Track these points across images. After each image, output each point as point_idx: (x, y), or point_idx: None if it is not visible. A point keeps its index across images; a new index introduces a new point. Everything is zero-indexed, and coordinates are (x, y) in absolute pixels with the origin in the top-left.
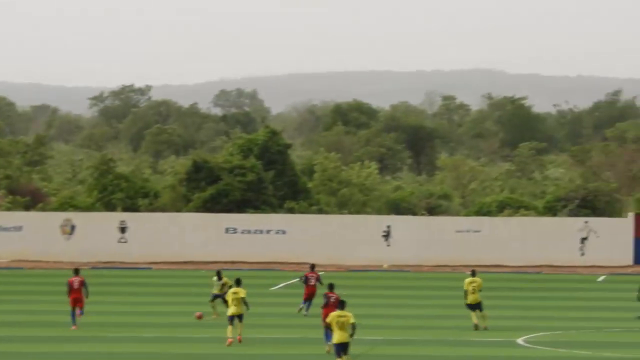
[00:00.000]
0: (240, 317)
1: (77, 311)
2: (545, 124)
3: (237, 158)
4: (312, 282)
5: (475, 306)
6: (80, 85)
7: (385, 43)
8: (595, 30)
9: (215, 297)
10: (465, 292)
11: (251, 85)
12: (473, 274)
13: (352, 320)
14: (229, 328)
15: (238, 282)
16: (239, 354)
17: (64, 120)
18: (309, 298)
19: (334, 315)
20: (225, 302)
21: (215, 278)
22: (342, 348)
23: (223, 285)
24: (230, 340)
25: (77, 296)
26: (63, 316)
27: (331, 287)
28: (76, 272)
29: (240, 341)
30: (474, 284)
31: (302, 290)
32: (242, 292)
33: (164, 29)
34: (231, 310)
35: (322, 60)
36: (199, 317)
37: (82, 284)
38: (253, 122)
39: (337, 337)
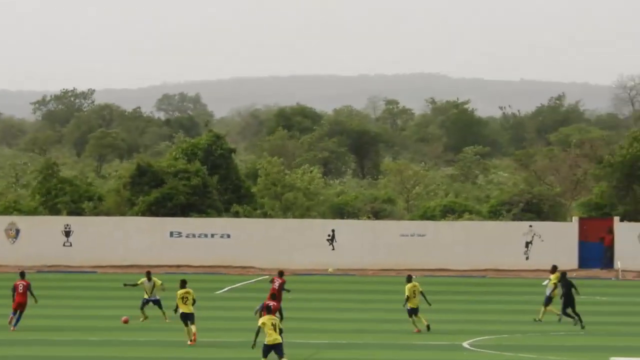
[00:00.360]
0: (191, 316)
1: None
2: (489, 128)
3: (181, 162)
4: (276, 285)
5: (416, 310)
6: (24, 89)
7: (329, 47)
8: (537, 35)
9: (146, 302)
10: (407, 298)
11: (194, 89)
12: (409, 279)
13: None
14: (186, 329)
15: (184, 283)
16: (187, 358)
17: (7, 124)
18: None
19: (266, 318)
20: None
21: (144, 279)
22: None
23: (153, 286)
24: (195, 335)
25: (21, 300)
26: (5, 319)
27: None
28: (22, 275)
29: (195, 341)
30: (414, 289)
31: (248, 294)
32: (191, 293)
33: (106, 33)
34: (182, 309)
35: (265, 65)
36: (125, 322)
37: (27, 287)
38: (196, 126)
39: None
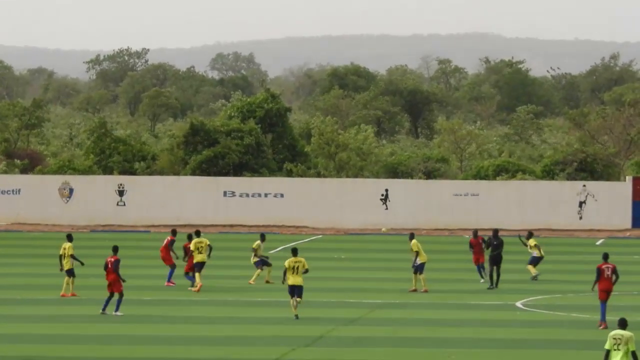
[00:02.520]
0: (202, 265)
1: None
2: (542, 87)
3: (234, 121)
4: None
5: (423, 267)
6: (77, 48)
7: (382, 7)
8: None
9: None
10: (417, 253)
11: (248, 49)
12: (412, 236)
13: (306, 266)
14: (197, 275)
15: (198, 234)
16: (249, 317)
17: (61, 84)
18: None
19: (289, 260)
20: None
21: (258, 242)
22: (295, 290)
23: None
24: (200, 284)
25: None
26: (60, 279)
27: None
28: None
29: (196, 290)
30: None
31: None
32: (206, 240)
33: None
34: (198, 258)
35: (319, 24)
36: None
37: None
38: (250, 86)
39: (292, 280)
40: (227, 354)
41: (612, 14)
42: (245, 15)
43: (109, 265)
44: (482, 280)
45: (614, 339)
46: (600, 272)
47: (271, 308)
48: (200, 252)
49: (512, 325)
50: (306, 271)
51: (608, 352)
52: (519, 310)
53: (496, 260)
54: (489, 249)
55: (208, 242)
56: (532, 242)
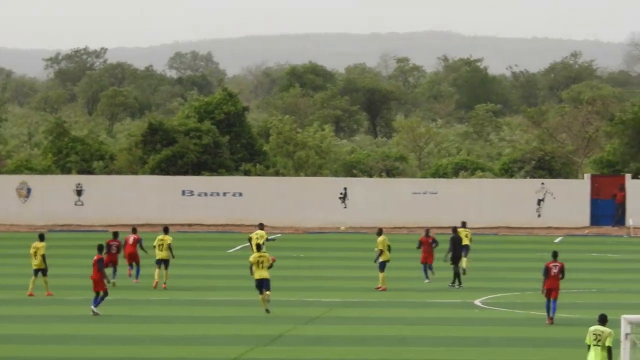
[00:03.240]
0: (166, 262)
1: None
2: (501, 85)
3: (192, 121)
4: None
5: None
6: (35, 48)
7: (340, 6)
8: None
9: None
10: (381, 252)
11: (206, 48)
12: (380, 232)
13: (169, 241)
14: (157, 271)
15: (166, 231)
16: (209, 317)
17: (18, 83)
18: None
19: (254, 255)
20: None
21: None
22: (263, 284)
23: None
24: (156, 281)
25: (131, 251)
26: (20, 279)
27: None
28: (134, 231)
29: (165, 287)
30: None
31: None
32: (168, 239)
33: None
34: (159, 255)
35: (277, 23)
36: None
37: (138, 242)
38: (209, 84)
39: (258, 274)
40: (187, 353)
41: (570, 12)
42: (203, 14)
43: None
44: (426, 281)
45: (594, 334)
46: (547, 270)
47: (230, 307)
48: (160, 250)
49: (471, 324)
50: (271, 265)
51: (590, 347)
52: (478, 308)
53: (458, 258)
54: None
55: (169, 242)
56: (463, 232)
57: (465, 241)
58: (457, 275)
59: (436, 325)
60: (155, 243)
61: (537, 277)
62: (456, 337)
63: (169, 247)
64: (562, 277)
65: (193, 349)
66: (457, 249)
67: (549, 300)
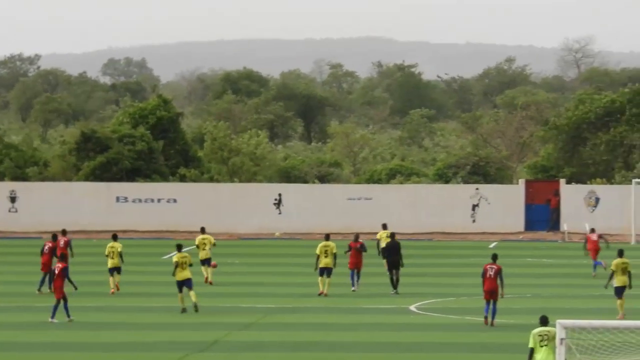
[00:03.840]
0: (118, 269)
1: None
2: (435, 91)
3: (126, 127)
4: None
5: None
6: None
7: (274, 11)
8: None
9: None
10: (319, 257)
11: (140, 54)
12: (327, 237)
13: (119, 249)
14: (111, 279)
15: (115, 238)
16: (144, 323)
17: None
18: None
19: (177, 256)
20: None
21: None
22: (185, 283)
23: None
24: (113, 290)
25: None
26: None
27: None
28: (63, 233)
29: (118, 289)
30: (327, 248)
31: (195, 259)
32: (119, 246)
33: None
34: (110, 262)
35: (211, 29)
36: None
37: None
38: (143, 90)
39: (181, 275)
40: (122, 359)
41: (504, 18)
42: (137, 20)
43: (56, 272)
44: (353, 288)
45: (540, 335)
46: (484, 271)
47: (166, 314)
48: (112, 258)
49: (406, 329)
50: (191, 264)
51: (532, 350)
52: (413, 313)
53: (394, 265)
54: (384, 255)
55: (120, 249)
56: (384, 234)
57: (383, 243)
58: (392, 281)
59: (371, 331)
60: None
61: (472, 282)
62: (391, 342)
63: (120, 255)
64: (502, 281)
65: (128, 355)
66: (394, 255)
67: (488, 302)
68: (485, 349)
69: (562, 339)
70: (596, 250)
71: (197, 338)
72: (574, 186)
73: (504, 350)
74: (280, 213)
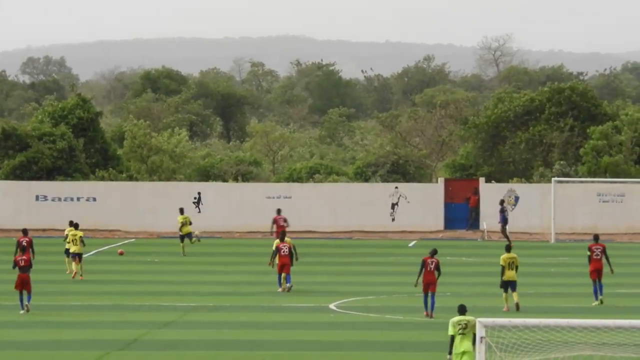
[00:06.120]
0: (80, 255)
1: None
2: (354, 90)
3: (46, 126)
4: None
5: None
6: None
7: (192, 8)
8: None
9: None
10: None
11: (59, 52)
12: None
13: (81, 235)
14: (73, 264)
15: (76, 226)
16: (62, 321)
17: None
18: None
19: (69, 232)
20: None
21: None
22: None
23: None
24: (74, 273)
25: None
26: None
27: None
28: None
29: (81, 279)
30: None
31: (115, 258)
32: (80, 233)
33: None
34: (72, 248)
35: (130, 28)
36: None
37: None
38: (61, 89)
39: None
40: (40, 358)
41: (422, 16)
42: (56, 19)
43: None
44: (279, 289)
45: (459, 324)
46: (424, 264)
47: (84, 312)
48: (75, 244)
49: (326, 328)
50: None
51: (453, 338)
52: (333, 312)
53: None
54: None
55: (82, 235)
56: (180, 218)
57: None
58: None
59: (291, 330)
60: (69, 238)
61: (392, 280)
62: (311, 340)
63: (81, 240)
64: (439, 274)
65: (47, 353)
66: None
67: (426, 295)
68: (404, 348)
69: (482, 337)
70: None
71: (116, 336)
72: (493, 185)
73: (423, 349)
74: (199, 212)
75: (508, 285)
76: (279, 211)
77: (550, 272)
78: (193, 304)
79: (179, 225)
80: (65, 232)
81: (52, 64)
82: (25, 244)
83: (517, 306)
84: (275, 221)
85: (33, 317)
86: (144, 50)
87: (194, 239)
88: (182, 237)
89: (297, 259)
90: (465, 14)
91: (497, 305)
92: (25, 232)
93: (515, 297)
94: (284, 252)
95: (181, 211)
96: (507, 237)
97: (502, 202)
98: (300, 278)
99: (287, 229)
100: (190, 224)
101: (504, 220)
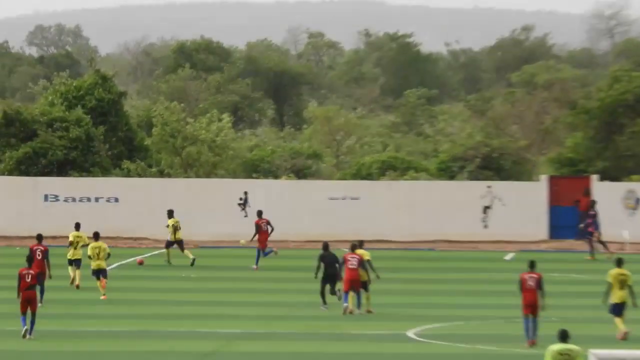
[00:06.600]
0: (104, 272)
1: None
2: (437, 66)
3: (58, 109)
4: None
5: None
6: None
7: None
8: None
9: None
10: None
11: (73, 19)
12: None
13: (105, 249)
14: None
15: (97, 236)
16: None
17: None
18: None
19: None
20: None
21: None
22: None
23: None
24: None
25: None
26: None
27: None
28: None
29: (104, 298)
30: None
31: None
32: (104, 245)
33: None
34: (95, 264)
35: None
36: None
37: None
38: (77, 64)
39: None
40: None
41: None
42: None
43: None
44: (323, 308)
45: (561, 355)
46: (522, 282)
47: (104, 340)
48: (97, 258)
49: None
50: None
51: None
52: (412, 341)
53: (332, 278)
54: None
55: (106, 249)
56: (171, 221)
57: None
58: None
59: None
60: (91, 251)
61: (484, 302)
62: None
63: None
64: (543, 294)
65: None
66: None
67: (527, 319)
68: None
69: None
70: None
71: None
72: (608, 184)
73: None
74: (246, 216)
75: (619, 309)
76: (259, 213)
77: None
78: (238, 330)
79: (171, 230)
80: (71, 239)
81: (65, 34)
82: (40, 253)
83: (625, 335)
84: (257, 226)
85: (38, 344)
86: (178, 16)
87: (273, 252)
88: (170, 244)
89: (378, 277)
90: None
91: (610, 333)
92: (39, 238)
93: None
94: (351, 264)
95: (170, 214)
96: (604, 245)
97: (593, 203)
98: (371, 299)
99: (359, 237)
100: (179, 229)
101: (596, 226)
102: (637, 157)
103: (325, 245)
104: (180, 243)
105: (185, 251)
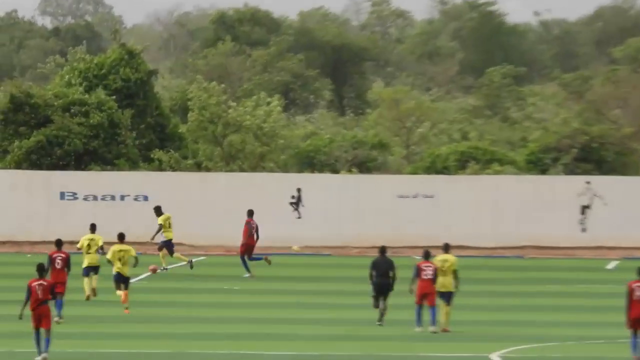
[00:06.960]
0: (127, 281)
1: None
2: (526, 40)
3: (76, 90)
4: None
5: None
6: None
7: None
8: None
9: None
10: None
11: None
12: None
13: (133, 253)
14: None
15: (122, 237)
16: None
17: None
18: None
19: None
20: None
21: None
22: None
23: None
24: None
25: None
26: None
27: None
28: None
29: (127, 312)
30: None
31: (173, 284)
32: (130, 249)
33: None
34: (117, 267)
35: None
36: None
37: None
38: (98, 37)
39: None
40: None
41: None
42: None
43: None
44: (417, 329)
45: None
46: (629, 292)
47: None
48: (122, 263)
49: None
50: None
51: None
52: None
53: (382, 289)
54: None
55: (134, 254)
56: (163, 218)
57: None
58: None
59: None
60: (111, 256)
61: (582, 319)
62: None
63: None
64: None
65: None
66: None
67: (635, 336)
68: None
69: None
70: None
71: None
72: None
73: None
74: (299, 217)
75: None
76: (250, 213)
77: None
78: (291, 352)
79: (166, 227)
80: (86, 242)
81: (84, 1)
82: (60, 261)
83: None
84: (248, 227)
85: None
86: None
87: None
88: (167, 245)
89: (456, 288)
90: None
91: None
92: (59, 244)
93: None
94: (425, 274)
95: (158, 210)
96: None
97: None
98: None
99: (434, 243)
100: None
101: None
102: None
103: (382, 249)
104: (168, 244)
105: (162, 255)
